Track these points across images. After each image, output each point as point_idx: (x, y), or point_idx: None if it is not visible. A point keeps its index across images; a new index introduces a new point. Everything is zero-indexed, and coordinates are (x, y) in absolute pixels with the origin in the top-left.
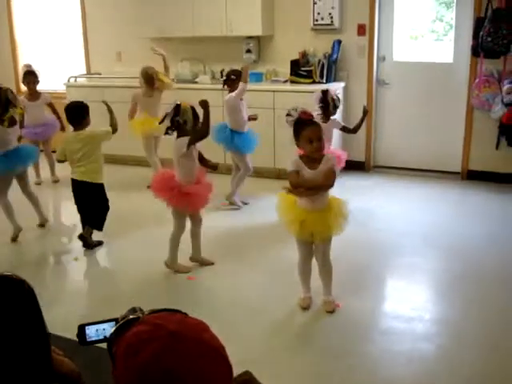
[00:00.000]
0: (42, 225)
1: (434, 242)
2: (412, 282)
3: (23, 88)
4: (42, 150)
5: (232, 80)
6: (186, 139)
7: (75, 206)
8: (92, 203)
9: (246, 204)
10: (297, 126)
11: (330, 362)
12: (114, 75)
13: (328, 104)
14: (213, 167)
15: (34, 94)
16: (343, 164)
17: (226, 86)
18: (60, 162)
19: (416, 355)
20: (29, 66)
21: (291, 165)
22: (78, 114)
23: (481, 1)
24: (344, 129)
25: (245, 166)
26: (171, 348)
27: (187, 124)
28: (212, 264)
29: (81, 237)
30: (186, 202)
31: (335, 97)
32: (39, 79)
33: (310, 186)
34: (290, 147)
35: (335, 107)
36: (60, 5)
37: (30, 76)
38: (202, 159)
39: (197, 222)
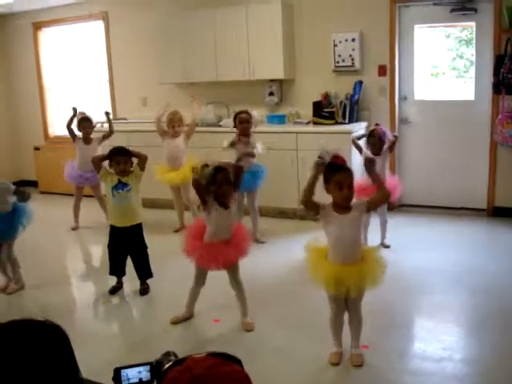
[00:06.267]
0: (9, 292)
1: (462, 280)
2: (441, 321)
3: (51, 134)
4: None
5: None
6: None
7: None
8: (135, 250)
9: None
10: (328, 170)
11: None
12: (140, 120)
13: (376, 140)
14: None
15: (88, 139)
16: (399, 193)
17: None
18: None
19: None
20: (83, 113)
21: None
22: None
23: (500, 38)
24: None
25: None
26: None
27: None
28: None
29: (113, 290)
30: (212, 260)
31: (385, 133)
32: (94, 125)
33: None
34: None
35: (382, 143)
36: (87, 52)
37: (86, 122)
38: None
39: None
